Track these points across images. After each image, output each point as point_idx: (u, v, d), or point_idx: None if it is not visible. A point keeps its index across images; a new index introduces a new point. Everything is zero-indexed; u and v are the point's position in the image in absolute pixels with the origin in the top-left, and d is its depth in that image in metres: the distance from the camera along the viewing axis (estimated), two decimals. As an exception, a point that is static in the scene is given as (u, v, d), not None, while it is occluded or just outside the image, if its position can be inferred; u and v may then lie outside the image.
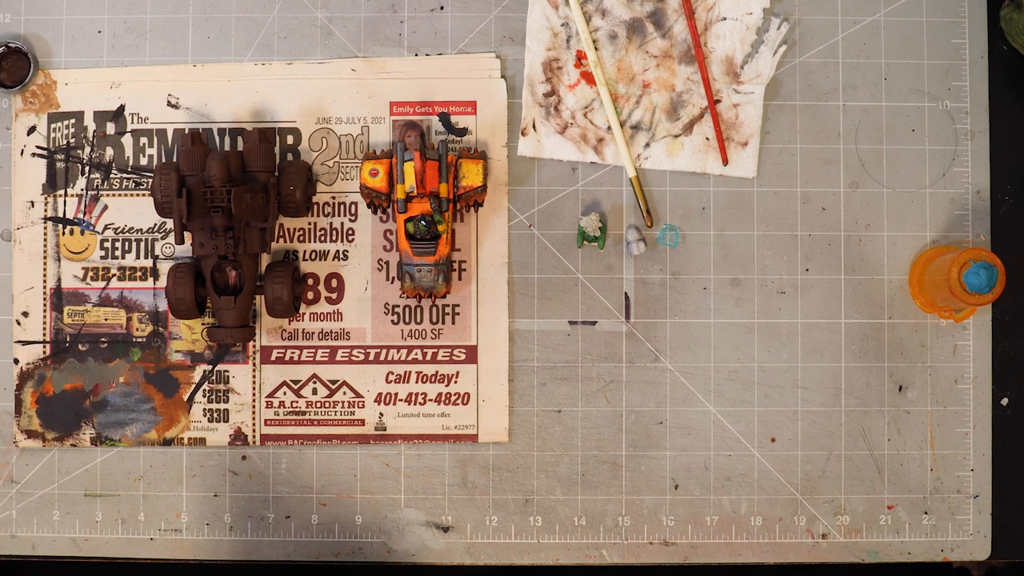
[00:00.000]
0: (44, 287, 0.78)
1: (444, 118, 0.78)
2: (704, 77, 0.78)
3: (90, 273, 0.78)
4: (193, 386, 0.78)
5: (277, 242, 0.78)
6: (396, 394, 0.78)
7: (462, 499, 0.78)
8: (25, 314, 0.78)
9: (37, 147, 0.78)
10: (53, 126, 0.78)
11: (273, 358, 0.78)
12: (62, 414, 0.78)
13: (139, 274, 0.78)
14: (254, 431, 0.78)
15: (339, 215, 0.78)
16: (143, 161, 0.78)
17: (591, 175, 0.79)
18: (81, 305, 0.78)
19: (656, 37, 0.78)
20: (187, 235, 0.76)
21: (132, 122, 0.78)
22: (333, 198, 0.78)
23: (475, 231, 0.78)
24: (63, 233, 0.78)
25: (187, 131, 0.76)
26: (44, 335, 0.78)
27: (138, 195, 0.78)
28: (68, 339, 0.78)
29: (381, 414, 0.78)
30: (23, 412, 0.78)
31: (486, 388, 0.78)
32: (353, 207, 0.78)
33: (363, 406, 0.78)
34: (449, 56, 0.79)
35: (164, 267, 0.78)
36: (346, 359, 0.78)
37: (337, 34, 0.79)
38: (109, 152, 0.78)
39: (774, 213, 0.79)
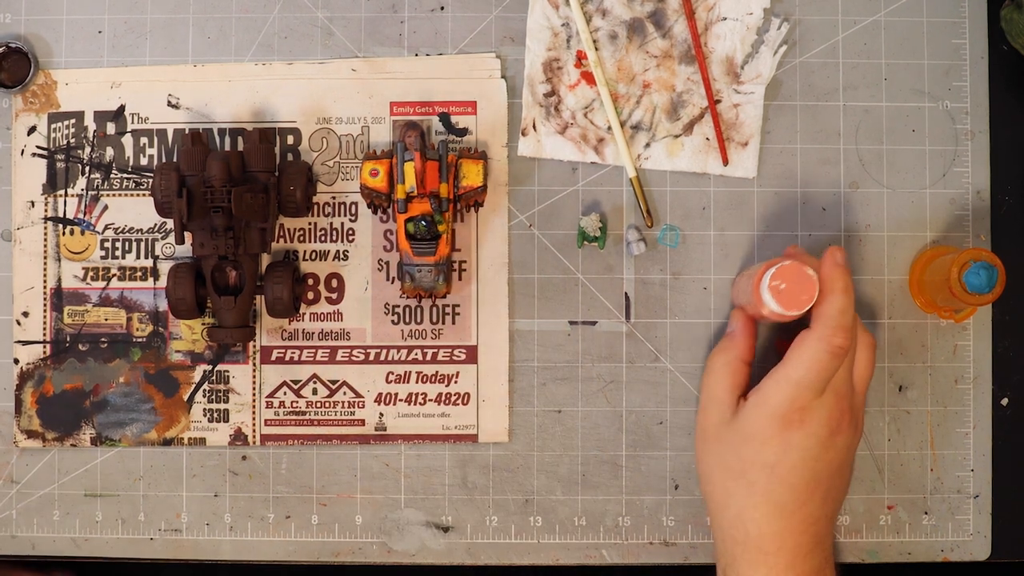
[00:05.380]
0: (44, 287, 0.78)
1: (444, 118, 0.78)
2: (704, 77, 0.78)
3: (90, 273, 0.78)
4: (193, 386, 0.78)
5: (277, 242, 0.78)
6: (396, 394, 0.78)
7: (462, 499, 0.78)
8: (25, 314, 0.78)
9: (37, 147, 0.78)
10: (53, 126, 0.78)
11: (273, 358, 0.78)
12: (62, 414, 0.78)
13: (139, 274, 0.78)
14: (254, 431, 0.78)
15: (339, 215, 0.78)
16: (143, 161, 0.78)
17: (591, 175, 0.79)
18: (81, 305, 0.78)
19: (656, 37, 0.78)
20: (187, 235, 0.76)
21: (132, 122, 0.78)
22: (333, 198, 0.78)
23: (475, 231, 0.78)
24: (63, 233, 0.78)
25: (187, 131, 0.76)
26: (44, 335, 0.78)
27: (138, 195, 0.78)
28: (68, 339, 0.78)
29: (381, 414, 0.78)
30: (23, 412, 0.78)
31: (486, 388, 0.78)
32: (353, 207, 0.78)
33: (363, 406, 0.78)
34: (449, 56, 0.79)
35: (164, 267, 0.78)
36: (346, 359, 0.78)
37: (337, 34, 0.79)
38: (109, 152, 0.78)
39: (774, 213, 0.79)
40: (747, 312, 0.73)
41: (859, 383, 0.71)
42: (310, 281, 0.78)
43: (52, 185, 0.78)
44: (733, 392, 0.71)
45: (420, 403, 0.78)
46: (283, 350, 0.78)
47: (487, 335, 0.78)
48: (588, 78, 0.78)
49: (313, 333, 0.78)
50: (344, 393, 0.78)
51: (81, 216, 0.78)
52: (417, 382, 0.78)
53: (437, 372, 0.78)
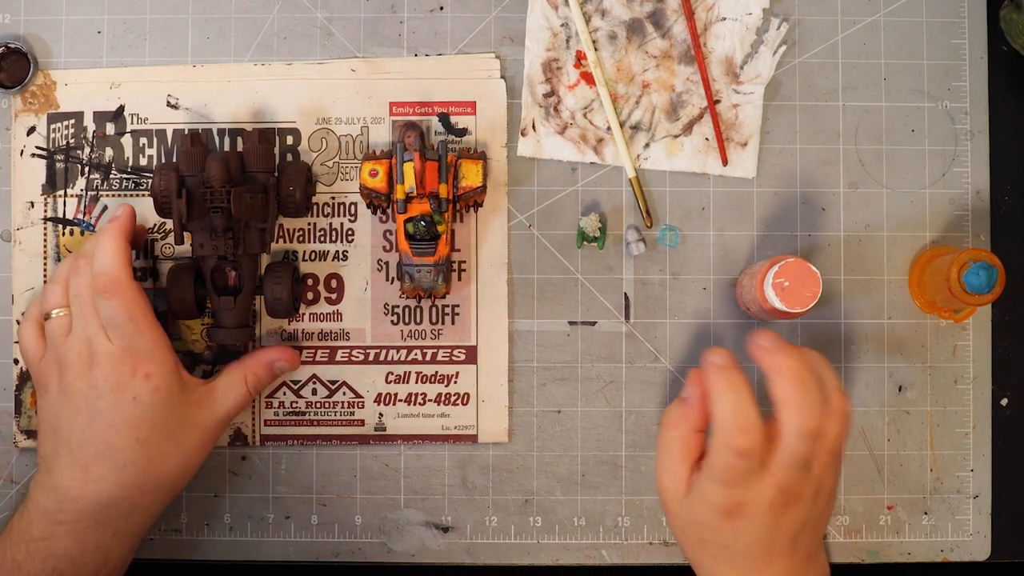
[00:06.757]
0: (44, 287, 0.78)
1: (444, 118, 0.78)
2: (704, 77, 0.78)
3: (90, 273, 0.78)
4: (193, 386, 0.78)
5: (277, 242, 0.78)
6: (396, 394, 0.78)
7: (462, 499, 0.78)
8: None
9: (37, 147, 0.78)
10: (53, 127, 0.78)
11: (273, 358, 0.78)
12: (62, 414, 0.78)
13: (139, 274, 0.78)
14: (254, 431, 0.78)
15: (339, 215, 0.78)
16: (143, 161, 0.78)
17: (591, 175, 0.79)
18: (81, 305, 0.78)
19: (656, 37, 0.78)
20: (187, 235, 0.76)
21: (132, 122, 0.78)
22: (333, 198, 0.78)
23: (475, 231, 0.78)
24: (63, 234, 0.78)
25: (187, 131, 0.76)
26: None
27: (138, 195, 0.78)
28: (68, 339, 0.78)
29: (381, 414, 0.78)
30: (23, 412, 0.78)
31: (486, 388, 0.78)
32: (353, 207, 0.78)
33: (363, 406, 0.78)
34: (449, 56, 0.79)
35: (164, 267, 0.78)
36: (346, 359, 0.78)
37: (337, 34, 0.79)
38: (109, 152, 0.78)
39: (774, 213, 0.79)
40: (703, 383, 0.68)
41: (832, 450, 0.66)
42: (309, 281, 0.78)
43: (52, 185, 0.78)
44: (685, 463, 0.67)
45: (420, 403, 0.78)
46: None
47: (487, 335, 0.78)
48: (587, 78, 0.78)
49: (312, 333, 0.78)
50: (343, 393, 0.78)
51: (81, 216, 0.78)
52: (417, 382, 0.78)
53: (437, 372, 0.78)
